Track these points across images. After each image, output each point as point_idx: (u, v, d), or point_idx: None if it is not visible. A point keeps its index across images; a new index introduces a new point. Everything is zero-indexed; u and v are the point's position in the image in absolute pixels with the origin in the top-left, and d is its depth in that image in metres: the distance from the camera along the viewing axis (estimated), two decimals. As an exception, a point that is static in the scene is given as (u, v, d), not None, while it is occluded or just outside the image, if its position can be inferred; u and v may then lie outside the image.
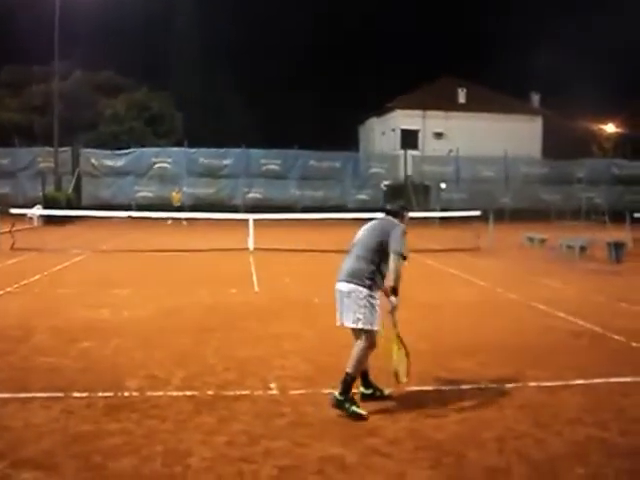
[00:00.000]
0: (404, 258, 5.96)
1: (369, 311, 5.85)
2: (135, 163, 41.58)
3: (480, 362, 7.59)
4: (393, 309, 6.03)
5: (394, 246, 5.90)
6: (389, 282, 5.97)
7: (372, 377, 6.25)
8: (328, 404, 5.85)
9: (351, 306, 5.89)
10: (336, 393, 5.81)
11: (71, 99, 43.34)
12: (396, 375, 6.15)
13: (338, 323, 6.07)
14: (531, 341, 8.75)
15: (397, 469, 4.74)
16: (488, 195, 40.90)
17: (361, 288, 5.88)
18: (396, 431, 5.42)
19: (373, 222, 6.31)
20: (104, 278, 14.31)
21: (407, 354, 6.18)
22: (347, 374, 5.85)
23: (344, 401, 5.75)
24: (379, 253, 5.97)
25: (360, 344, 5.90)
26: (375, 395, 6.18)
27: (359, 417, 5.67)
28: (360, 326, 5.87)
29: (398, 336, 6.19)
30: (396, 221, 6.19)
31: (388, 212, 6.34)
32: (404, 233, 6.03)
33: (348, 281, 5.97)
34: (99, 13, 41.68)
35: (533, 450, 5.08)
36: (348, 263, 6.11)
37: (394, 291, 5.98)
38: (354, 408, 5.72)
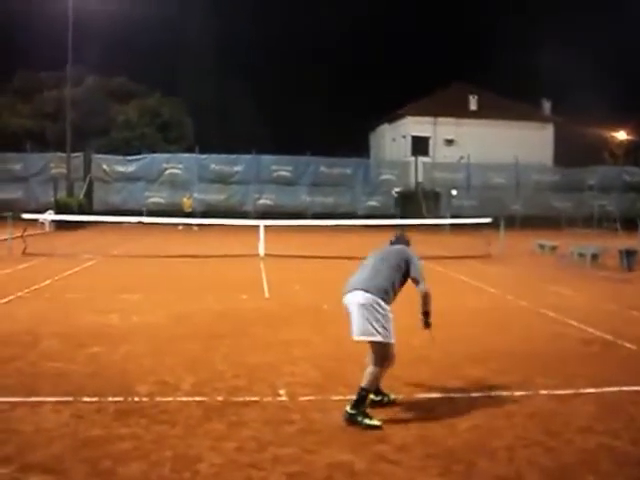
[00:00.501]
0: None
1: (386, 323, 5.76)
2: (146, 169, 41.77)
3: (490, 369, 7.56)
4: (428, 327, 6.20)
5: (419, 275, 6.08)
6: (423, 307, 6.16)
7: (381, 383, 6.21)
8: (338, 411, 5.83)
9: (368, 319, 5.74)
10: (348, 407, 5.71)
11: (83, 105, 43.63)
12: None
13: (356, 338, 5.89)
14: (541, 349, 8.71)
15: (406, 476, 4.72)
16: (499, 202, 40.85)
17: (380, 300, 5.78)
18: (405, 438, 5.40)
19: (390, 249, 6.37)
20: (114, 283, 14.35)
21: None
22: (362, 389, 5.73)
23: (356, 414, 5.65)
24: (397, 273, 5.99)
25: (376, 359, 5.79)
26: (383, 402, 6.14)
27: (374, 429, 5.57)
28: (378, 339, 5.74)
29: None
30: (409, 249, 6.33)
31: (398, 241, 6.53)
32: (420, 263, 6.18)
33: (365, 290, 5.82)
34: (111, 19, 41.88)
35: (543, 459, 5.05)
36: (364, 274, 6.00)
37: (426, 315, 6.17)
38: (367, 421, 5.62)
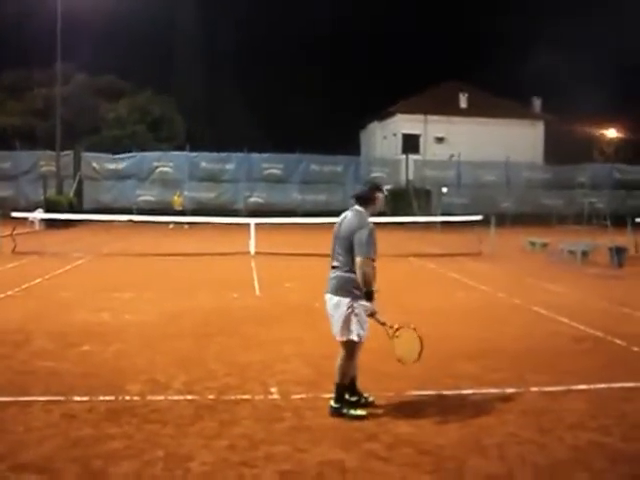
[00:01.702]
0: (372, 260, 5.80)
1: (354, 322, 5.80)
2: (137, 167, 41.66)
3: (482, 367, 7.58)
4: (372, 314, 5.87)
5: (357, 250, 5.73)
6: (363, 288, 5.76)
7: (359, 385, 6.20)
8: (328, 410, 5.85)
9: (342, 319, 5.84)
10: (331, 402, 5.90)
11: (73, 103, 43.42)
12: (400, 361, 6.06)
13: (337, 338, 5.99)
14: (533, 346, 8.73)
15: (397, 474, 4.72)
16: (489, 200, 40.92)
17: (347, 299, 5.81)
18: (396, 436, 5.41)
19: (343, 220, 6.07)
20: (105, 282, 14.30)
21: (419, 338, 5.94)
22: (336, 384, 5.93)
23: (340, 407, 5.83)
24: (352, 251, 5.83)
25: (343, 354, 5.93)
26: (360, 402, 6.11)
27: (360, 418, 5.72)
28: (343, 338, 5.87)
29: (392, 330, 6.00)
30: (362, 214, 5.95)
31: (358, 199, 6.08)
32: (371, 234, 5.80)
33: (334, 294, 5.91)
34: (101, 17, 41.82)
35: (535, 456, 5.06)
36: (333, 274, 6.00)
37: (368, 296, 5.78)
38: (352, 411, 5.80)
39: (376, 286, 5.84)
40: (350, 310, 5.81)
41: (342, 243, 5.92)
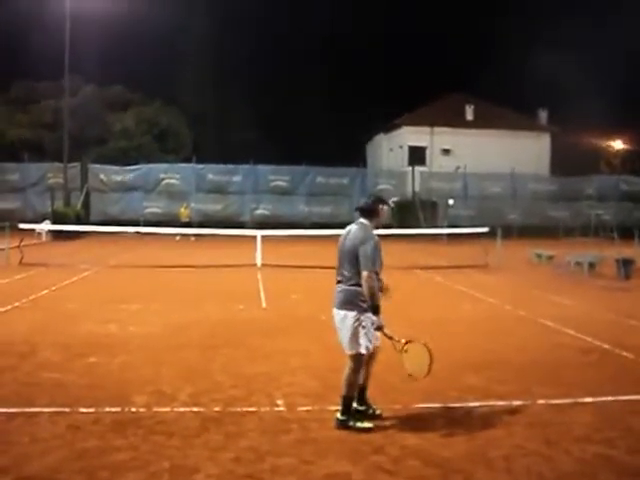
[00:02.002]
0: (376, 273, 5.87)
1: (357, 334, 5.83)
2: (143, 179, 41.73)
3: (488, 379, 7.56)
4: (379, 328, 5.91)
5: (363, 264, 5.78)
6: (370, 303, 5.81)
7: (369, 395, 6.23)
8: (334, 423, 5.84)
9: (349, 333, 5.88)
10: (338, 414, 5.88)
11: (81, 115, 43.62)
12: (411, 376, 6.10)
13: (347, 352, 6.01)
14: (539, 358, 8.71)
15: (404, 487, 4.71)
16: (496, 212, 40.88)
17: (354, 313, 5.85)
18: (403, 448, 5.39)
19: (348, 233, 6.10)
20: (111, 293, 14.32)
21: (429, 352, 5.95)
22: (343, 397, 5.91)
23: (347, 420, 5.81)
24: (357, 265, 5.86)
25: (350, 366, 5.93)
26: (367, 413, 6.13)
27: (366, 431, 5.69)
28: (351, 351, 5.90)
29: (399, 344, 6.04)
30: (366, 227, 5.99)
31: (362, 211, 6.10)
32: (375, 247, 5.86)
33: (341, 308, 5.95)
34: (109, 29, 42.03)
35: (542, 468, 5.04)
36: (339, 288, 6.03)
37: (374, 309, 5.82)
38: (358, 424, 5.78)
39: (388, 292, 6.01)
40: (357, 323, 5.84)
41: (347, 257, 5.94)
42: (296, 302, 13.56)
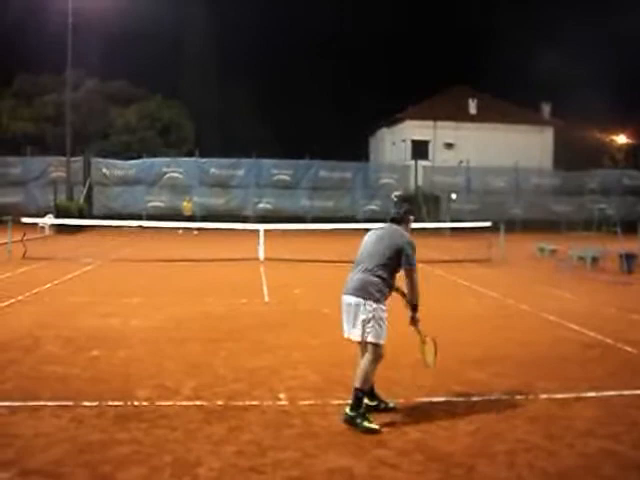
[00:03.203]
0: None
1: (377, 324, 5.79)
2: (146, 173, 41.73)
3: (491, 373, 7.55)
4: (415, 322, 6.11)
5: (409, 264, 5.96)
6: (410, 299, 6.05)
7: (378, 389, 6.22)
8: (337, 415, 5.83)
9: (359, 319, 5.84)
10: (347, 409, 5.76)
11: (83, 109, 43.63)
12: (429, 366, 6.34)
13: (345, 335, 6.03)
14: (542, 352, 8.70)
15: (407, 481, 4.71)
16: (499, 206, 40.87)
17: (370, 302, 5.82)
18: (405, 442, 5.39)
19: (379, 232, 6.21)
20: (114, 287, 14.34)
21: (435, 346, 6.29)
22: (356, 389, 5.78)
23: (355, 417, 5.69)
24: (388, 266, 5.93)
25: (368, 358, 5.85)
26: (380, 407, 6.13)
27: (372, 432, 5.59)
28: (369, 340, 5.82)
29: (423, 340, 6.28)
30: (402, 230, 6.13)
31: (393, 219, 6.24)
32: (414, 248, 6.03)
33: (357, 295, 5.89)
34: (111, 23, 41.96)
35: (545, 463, 5.04)
36: (356, 276, 6.01)
37: (414, 307, 6.05)
38: (365, 423, 5.65)
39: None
40: (383, 313, 5.84)
41: (381, 252, 5.97)
42: (298, 296, 13.56)
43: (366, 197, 43.38)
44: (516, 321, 11.07)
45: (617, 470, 4.93)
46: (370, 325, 5.79)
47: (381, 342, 5.83)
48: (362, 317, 5.82)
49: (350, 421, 5.70)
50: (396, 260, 5.93)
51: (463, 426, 5.79)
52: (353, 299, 5.91)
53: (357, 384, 5.80)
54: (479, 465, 4.97)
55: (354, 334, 5.90)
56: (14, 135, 44.86)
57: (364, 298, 5.84)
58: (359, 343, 5.98)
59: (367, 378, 5.84)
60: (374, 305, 5.81)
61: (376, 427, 5.65)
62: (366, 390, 5.88)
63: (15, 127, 45.93)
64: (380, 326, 5.81)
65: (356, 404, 5.74)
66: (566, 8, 70.50)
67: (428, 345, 6.28)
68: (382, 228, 6.27)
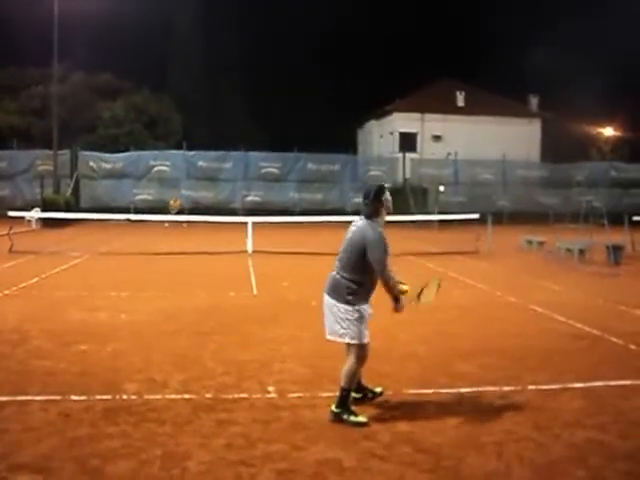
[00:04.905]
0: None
1: (353, 325, 5.72)
2: (134, 166, 41.58)
3: (479, 365, 7.58)
4: (400, 309, 5.92)
5: (376, 265, 5.69)
6: (391, 293, 5.86)
7: (363, 380, 6.23)
8: (326, 408, 5.84)
9: (334, 320, 5.80)
10: (333, 406, 5.76)
11: (70, 102, 43.36)
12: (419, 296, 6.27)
13: (326, 336, 5.95)
14: (530, 344, 8.74)
15: (395, 472, 4.72)
16: (486, 198, 41.00)
17: (340, 304, 5.75)
18: (394, 434, 5.41)
19: (352, 228, 5.96)
20: (102, 281, 14.29)
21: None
22: (342, 389, 5.77)
23: (341, 413, 5.70)
24: (359, 267, 5.76)
25: (351, 359, 5.81)
26: (367, 397, 6.16)
27: (360, 425, 5.60)
28: (346, 341, 5.78)
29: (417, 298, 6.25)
30: (371, 226, 5.80)
31: (367, 217, 5.92)
32: (381, 242, 5.73)
33: (331, 295, 5.86)
34: (98, 15, 41.61)
35: (533, 453, 5.07)
36: (331, 275, 5.95)
37: (396, 300, 5.87)
38: (352, 418, 5.66)
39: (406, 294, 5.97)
40: (358, 314, 5.74)
41: (349, 250, 5.84)
42: (287, 289, 13.56)
43: (354, 190, 43.24)
44: (504, 313, 11.11)
45: (604, 460, 4.96)
46: (345, 326, 5.74)
47: (362, 341, 5.77)
48: (338, 318, 5.77)
49: (336, 418, 5.69)
50: (364, 259, 5.73)
51: (452, 418, 5.81)
52: (328, 299, 5.88)
53: (342, 383, 5.78)
54: (468, 456, 4.99)
55: (332, 335, 5.86)
56: (0, 128, 44.56)
57: (337, 300, 5.79)
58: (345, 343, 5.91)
59: (352, 378, 5.81)
60: (346, 307, 5.74)
61: (364, 420, 5.65)
62: (351, 389, 5.85)
63: (1, 120, 45.62)
64: (357, 327, 5.73)
65: (341, 402, 5.74)
66: (554, 1, 70.63)
67: (429, 288, 6.39)
68: (355, 224, 5.99)
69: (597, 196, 39.33)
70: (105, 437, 5.27)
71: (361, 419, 5.66)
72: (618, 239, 19.79)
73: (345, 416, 5.68)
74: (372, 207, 5.89)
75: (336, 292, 5.81)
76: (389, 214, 6.01)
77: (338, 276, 5.86)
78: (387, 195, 5.96)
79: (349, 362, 5.81)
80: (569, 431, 5.53)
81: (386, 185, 6.11)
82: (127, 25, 52.90)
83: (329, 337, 5.91)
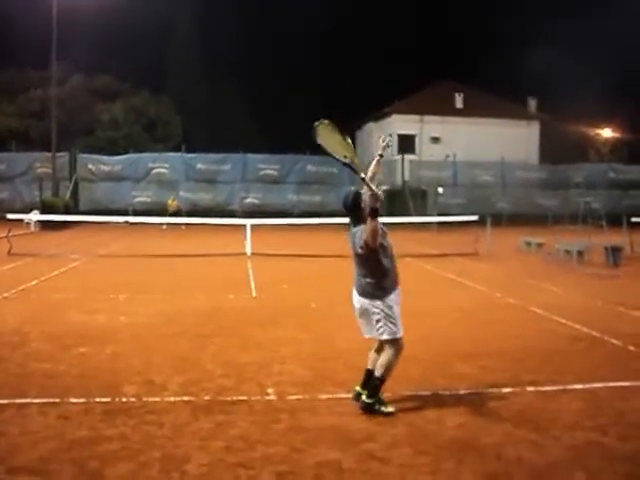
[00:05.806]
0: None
1: (389, 322, 5.85)
2: (132, 168, 41.60)
3: (478, 367, 7.57)
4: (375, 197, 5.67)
5: (366, 239, 5.62)
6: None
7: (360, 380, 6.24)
8: (326, 409, 5.85)
9: (370, 321, 5.94)
10: (364, 397, 5.90)
11: (69, 104, 43.38)
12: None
13: (365, 336, 6.13)
14: (529, 346, 8.73)
15: (395, 474, 4.72)
16: (485, 200, 41.02)
17: (375, 301, 5.88)
18: (394, 436, 5.40)
19: (350, 237, 6.03)
20: (101, 283, 14.28)
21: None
22: (377, 378, 5.90)
23: (373, 403, 5.85)
24: (376, 263, 5.84)
25: (388, 351, 5.92)
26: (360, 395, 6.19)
27: (390, 415, 5.79)
28: (384, 338, 5.90)
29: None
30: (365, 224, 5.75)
31: (356, 224, 5.96)
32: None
33: (363, 296, 5.97)
34: (97, 17, 41.72)
35: (532, 455, 5.06)
36: (357, 281, 6.06)
37: (374, 212, 5.58)
38: (383, 408, 5.85)
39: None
40: (388, 309, 5.85)
41: (358, 254, 5.94)
42: (286, 291, 13.54)
43: (353, 192, 43.33)
44: (503, 314, 11.10)
45: (603, 462, 4.96)
46: (382, 324, 5.86)
47: (397, 336, 5.90)
48: (374, 318, 5.90)
49: (368, 408, 5.84)
50: (376, 253, 5.78)
51: (451, 419, 5.81)
52: (361, 300, 5.99)
53: (378, 374, 5.91)
54: (468, 458, 4.98)
55: (369, 333, 6.04)
56: (-1, 131, 44.62)
57: (370, 299, 5.91)
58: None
59: (389, 369, 5.93)
60: (378, 302, 5.87)
61: (393, 410, 5.87)
62: (386, 380, 5.96)
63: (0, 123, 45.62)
64: (392, 322, 5.86)
65: (374, 392, 5.88)
66: (553, 3, 70.75)
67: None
68: (351, 231, 6.03)
69: (596, 197, 39.33)
70: (104, 439, 5.26)
71: (391, 409, 5.87)
72: (617, 240, 19.80)
73: (377, 407, 5.84)
74: (357, 215, 5.94)
75: (366, 292, 5.93)
76: (379, 204, 5.72)
77: (360, 278, 5.98)
78: (363, 195, 5.92)
79: (387, 354, 5.92)
80: (568, 433, 5.53)
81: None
82: (126, 27, 53.11)
83: (367, 336, 6.09)
